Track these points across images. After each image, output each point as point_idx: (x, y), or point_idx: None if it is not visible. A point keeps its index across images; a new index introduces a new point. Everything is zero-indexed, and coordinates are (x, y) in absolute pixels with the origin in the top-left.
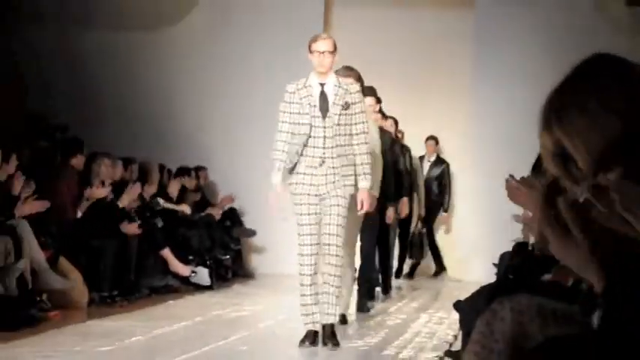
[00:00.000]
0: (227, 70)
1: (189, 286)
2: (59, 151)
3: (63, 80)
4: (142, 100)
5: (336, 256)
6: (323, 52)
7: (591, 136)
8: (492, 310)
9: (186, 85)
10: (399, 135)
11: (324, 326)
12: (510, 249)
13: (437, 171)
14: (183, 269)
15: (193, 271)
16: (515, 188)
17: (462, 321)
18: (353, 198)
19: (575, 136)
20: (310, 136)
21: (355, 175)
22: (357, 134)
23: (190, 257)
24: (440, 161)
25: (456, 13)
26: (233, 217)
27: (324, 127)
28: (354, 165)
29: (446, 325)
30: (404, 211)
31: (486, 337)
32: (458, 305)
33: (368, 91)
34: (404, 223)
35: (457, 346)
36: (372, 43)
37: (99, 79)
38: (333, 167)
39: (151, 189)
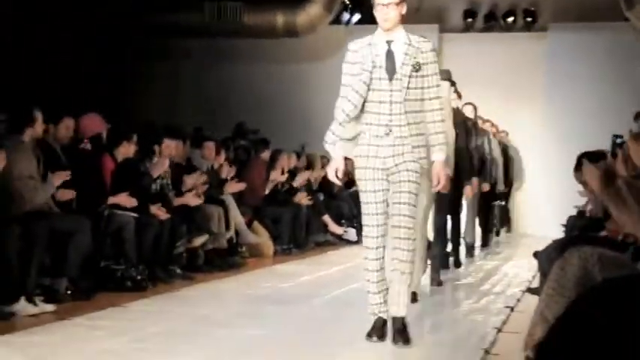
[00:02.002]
0: None
1: (342, 241)
2: (253, 148)
3: (254, 99)
4: (307, 112)
5: (407, 239)
6: (387, 5)
7: None
8: (565, 257)
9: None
10: (482, 122)
11: (393, 319)
12: (574, 214)
13: None
14: (337, 229)
15: (345, 231)
16: (590, 170)
17: (539, 266)
18: (425, 171)
19: None
20: (374, 102)
21: (427, 147)
22: (429, 99)
23: (342, 221)
24: None
25: (535, 37)
26: None
27: (391, 91)
28: (426, 134)
29: (526, 269)
30: (469, 192)
31: (561, 277)
32: (536, 254)
33: (443, 74)
34: (486, 197)
35: (534, 284)
36: (474, 63)
37: (276, 98)
38: (402, 137)
39: (315, 173)
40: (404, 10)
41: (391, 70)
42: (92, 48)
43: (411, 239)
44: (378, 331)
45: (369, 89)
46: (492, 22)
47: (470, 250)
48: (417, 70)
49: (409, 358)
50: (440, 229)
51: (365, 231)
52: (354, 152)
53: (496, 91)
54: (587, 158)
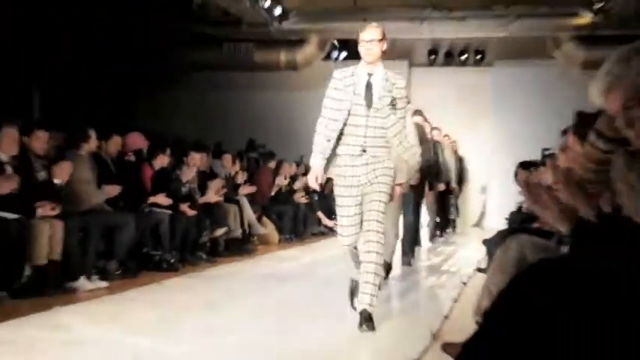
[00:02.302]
0: None
1: (332, 232)
2: (261, 159)
3: (262, 120)
4: (304, 130)
5: (378, 242)
6: (370, 41)
7: None
8: (506, 244)
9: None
10: (441, 136)
11: (361, 311)
12: (515, 210)
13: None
14: (329, 222)
15: (335, 224)
16: (525, 180)
17: (487, 250)
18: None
19: None
20: (352, 125)
21: (391, 166)
22: (394, 126)
23: (333, 216)
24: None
25: (483, 71)
26: None
27: (367, 117)
28: (390, 156)
29: (476, 253)
30: (429, 198)
31: (503, 259)
32: (484, 242)
33: None
34: (442, 195)
35: (483, 265)
36: (436, 90)
37: (280, 119)
38: (374, 156)
39: None
40: (385, 46)
41: (369, 99)
42: (130, 77)
43: (380, 242)
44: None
45: (348, 114)
46: (450, 58)
47: (432, 238)
48: (394, 105)
49: (382, 321)
50: (409, 224)
51: (340, 232)
52: (335, 172)
53: (453, 112)
54: (522, 166)
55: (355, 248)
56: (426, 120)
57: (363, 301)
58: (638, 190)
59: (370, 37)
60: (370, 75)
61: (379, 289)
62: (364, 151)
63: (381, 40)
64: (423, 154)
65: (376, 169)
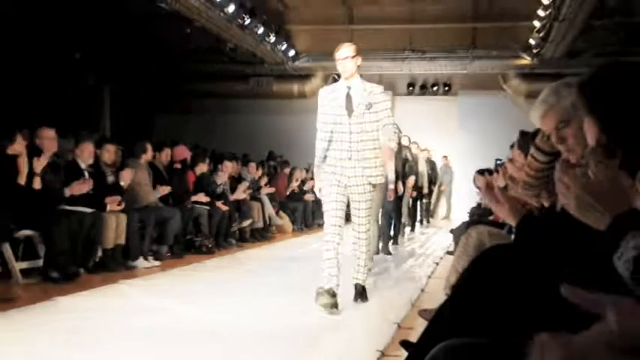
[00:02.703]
0: None
1: None
2: (279, 166)
3: (279, 136)
4: (311, 144)
5: (365, 239)
6: (344, 59)
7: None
8: (468, 232)
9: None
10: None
11: (355, 285)
12: (475, 206)
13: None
14: None
15: None
16: (480, 181)
17: (454, 237)
18: (379, 185)
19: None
20: (339, 132)
21: (378, 167)
22: (384, 125)
23: None
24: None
25: (450, 99)
26: None
27: (350, 124)
28: (377, 157)
29: (446, 240)
30: (409, 184)
31: (466, 244)
32: (452, 230)
33: None
34: (415, 198)
35: (451, 249)
36: (414, 115)
37: (292, 135)
38: (360, 159)
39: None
40: (359, 61)
41: (350, 109)
42: (175, 107)
43: (367, 239)
44: (323, 296)
45: (334, 123)
46: (425, 89)
47: (412, 228)
48: (369, 109)
49: (372, 294)
50: (393, 219)
51: (325, 227)
52: (325, 169)
53: (427, 132)
54: (479, 172)
55: (339, 243)
56: (400, 130)
57: (357, 278)
58: (573, 190)
59: (344, 54)
60: (349, 88)
61: (370, 270)
62: (351, 155)
63: (354, 57)
64: (398, 160)
65: (364, 176)
